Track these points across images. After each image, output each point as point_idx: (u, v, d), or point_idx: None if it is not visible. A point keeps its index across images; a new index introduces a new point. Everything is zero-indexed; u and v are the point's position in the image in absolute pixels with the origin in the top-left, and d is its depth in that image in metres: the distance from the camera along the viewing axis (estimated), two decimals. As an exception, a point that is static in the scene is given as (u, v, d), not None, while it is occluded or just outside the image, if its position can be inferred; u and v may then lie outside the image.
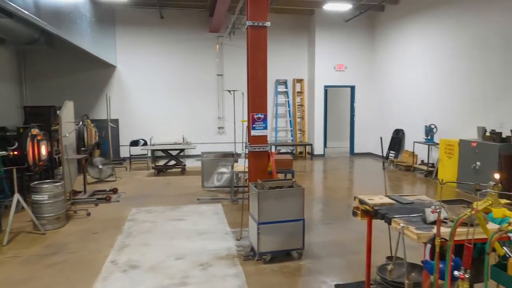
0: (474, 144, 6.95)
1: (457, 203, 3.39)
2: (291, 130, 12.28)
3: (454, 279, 2.32)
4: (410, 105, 10.02)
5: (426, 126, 8.93)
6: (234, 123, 8.33)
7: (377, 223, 3.44)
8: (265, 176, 4.65)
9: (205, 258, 4.16)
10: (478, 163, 6.83)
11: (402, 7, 10.26)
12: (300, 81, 12.30)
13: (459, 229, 2.47)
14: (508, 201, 1.87)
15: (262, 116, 4.49)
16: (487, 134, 6.99)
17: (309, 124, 12.30)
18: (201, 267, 3.93)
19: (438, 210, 2.02)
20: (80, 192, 6.83)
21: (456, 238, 2.44)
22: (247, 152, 4.77)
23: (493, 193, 1.84)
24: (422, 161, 9.29)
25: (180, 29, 11.41)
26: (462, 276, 1.77)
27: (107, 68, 11.04)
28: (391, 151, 10.68)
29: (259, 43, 4.38)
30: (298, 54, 12.20)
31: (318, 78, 11.73)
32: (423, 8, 9.34)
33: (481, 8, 7.57)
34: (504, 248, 2.08)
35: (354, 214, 3.34)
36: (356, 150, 12.19)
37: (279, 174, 6.44)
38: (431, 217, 2.59)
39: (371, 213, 3.04)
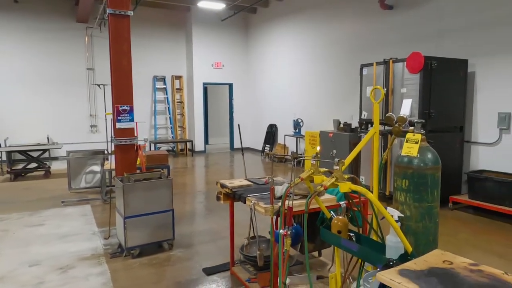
0: (331, 135, 7.92)
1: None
2: (171, 127, 12.11)
3: (296, 242, 2.64)
4: (281, 101, 10.87)
5: (294, 120, 9.81)
6: (106, 120, 7.83)
7: (247, 209, 3.69)
8: (133, 171, 4.52)
9: (65, 261, 3.85)
10: (335, 151, 7.76)
11: (272, 10, 11.05)
12: (179, 77, 12.21)
13: (299, 201, 2.83)
14: (327, 170, 2.23)
15: (127, 108, 4.35)
16: (341, 125, 8.04)
17: (189, 121, 12.31)
18: (61, 271, 3.63)
19: (270, 180, 2.27)
20: None
21: (296, 209, 2.80)
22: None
23: (314, 164, 2.17)
24: (292, 152, 10.16)
25: (39, 16, 10.18)
26: (285, 233, 2.04)
27: None
28: (266, 145, 11.42)
29: (122, 32, 4.23)
30: (176, 51, 12.10)
31: (196, 75, 11.82)
32: (289, 13, 10.22)
33: (332, 17, 8.65)
34: (331, 211, 2.46)
35: (218, 198, 3.51)
36: (236, 145, 12.67)
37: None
38: (279, 193, 2.90)
39: (231, 196, 3.24)
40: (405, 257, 1.97)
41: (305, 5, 9.55)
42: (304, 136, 9.51)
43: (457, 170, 5.89)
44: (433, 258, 1.70)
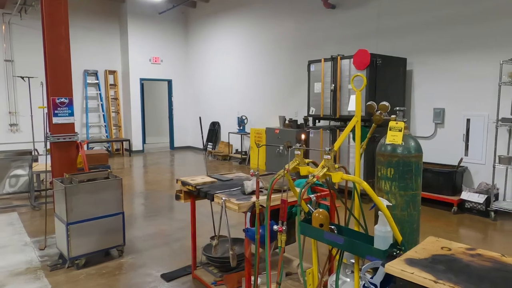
0: (277, 131, 7.95)
1: (269, 176, 3.73)
2: (105, 125, 11.27)
3: (272, 239, 2.51)
4: (224, 98, 10.68)
5: (238, 117, 9.69)
6: (32, 117, 6.98)
7: (200, 210, 3.45)
8: (74, 171, 4.03)
9: (-6, 278, 3.29)
10: (281, 147, 7.82)
11: (212, 5, 10.80)
12: (113, 72, 11.41)
13: (274, 195, 2.70)
14: (311, 160, 2.13)
15: (66, 101, 3.85)
16: (287, 122, 8.10)
17: (125, 119, 11.57)
18: (-11, 290, 3.09)
19: (256, 173, 2.11)
20: None
21: (272, 204, 2.67)
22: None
23: (299, 154, 2.06)
24: (237, 150, 10.05)
25: None
26: (280, 229, 1.90)
27: None
28: (209, 143, 11.15)
29: (58, 14, 3.74)
30: (110, 44, 11.28)
31: (133, 70, 11.14)
32: (231, 8, 10.07)
33: (276, 14, 8.69)
34: (308, 205, 2.36)
35: (177, 197, 3.24)
36: (176, 144, 12.20)
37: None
38: (249, 188, 2.75)
39: (194, 193, 3.01)
40: (395, 247, 1.94)
41: (248, 1, 9.48)
42: (248, 133, 9.44)
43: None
44: (431, 246, 1.67)
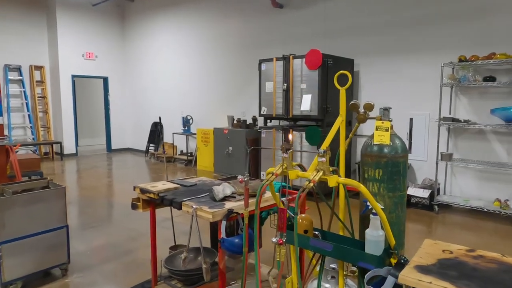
0: (226, 131, 7.75)
1: (233, 179, 3.53)
2: (31, 126, 10.15)
3: (251, 249, 2.32)
4: (167, 97, 10.20)
5: (183, 117, 9.30)
6: None
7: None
8: (4, 180, 3.47)
9: None
10: (231, 148, 7.65)
11: (151, 0, 10.27)
12: (39, 68, 10.31)
13: (250, 200, 2.52)
14: (298, 163, 1.99)
15: (-7, 99, 3.30)
16: (235, 122, 7.93)
17: (55, 119, 10.53)
18: None
19: (246, 179, 1.92)
20: None
21: (250, 209, 2.48)
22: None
23: (287, 157, 1.91)
24: (182, 151, 9.66)
25: None
26: (281, 241, 1.74)
27: None
28: (150, 144, 10.58)
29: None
30: (36, 36, 10.18)
31: (63, 66, 10.17)
32: (173, 4, 9.64)
33: (223, 11, 8.48)
34: (288, 211, 2.22)
35: (134, 207, 2.92)
36: (114, 146, 11.40)
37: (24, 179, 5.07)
38: (220, 194, 2.54)
39: (156, 201, 2.71)
40: (387, 251, 1.88)
41: (192, -4, 9.14)
42: (194, 133, 9.11)
43: (348, 161, 6.39)
44: (432, 249, 1.62)
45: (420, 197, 5.39)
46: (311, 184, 1.65)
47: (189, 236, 2.51)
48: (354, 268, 2.32)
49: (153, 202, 2.80)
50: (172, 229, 3.30)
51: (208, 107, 9.09)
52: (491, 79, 4.92)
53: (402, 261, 1.48)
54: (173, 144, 9.76)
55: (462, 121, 5.13)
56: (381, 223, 1.82)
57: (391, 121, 2.02)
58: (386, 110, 2.03)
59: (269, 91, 6.24)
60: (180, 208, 2.50)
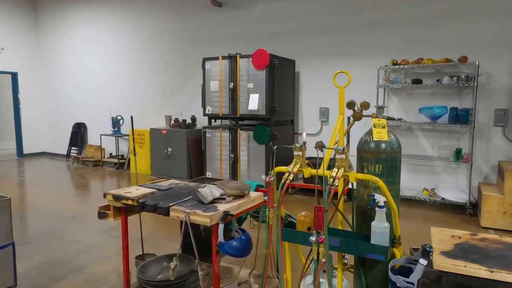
0: (164, 132, 7.42)
1: (200, 181, 3.41)
2: None
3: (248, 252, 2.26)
4: (92, 96, 9.40)
5: (113, 118, 8.66)
6: None
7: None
8: None
9: None
10: (170, 149, 7.36)
11: (73, -12, 9.36)
12: None
13: (237, 202, 2.46)
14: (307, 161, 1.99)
15: None
16: (173, 122, 7.64)
17: (-50, 120, 8.99)
18: None
19: (271, 179, 1.86)
20: None
21: (236, 212, 2.42)
22: None
23: (300, 155, 1.91)
24: (111, 154, 8.99)
25: None
26: (321, 239, 1.71)
27: None
28: (72, 147, 9.65)
29: None
30: None
31: (-40, 59, 8.73)
32: (98, -6, 8.92)
33: (156, 6, 8.09)
34: (285, 211, 2.22)
35: (102, 216, 2.64)
36: (26, 151, 10.14)
37: None
38: (209, 196, 2.43)
39: (135, 208, 2.49)
40: (393, 242, 1.99)
41: (119, -12, 8.56)
42: (125, 135, 8.56)
43: (291, 159, 6.60)
44: (442, 236, 1.76)
45: (361, 190, 5.80)
46: (337, 181, 1.68)
47: (181, 242, 2.35)
48: (346, 261, 2.41)
49: (125, 209, 2.57)
50: (141, 237, 3.06)
51: (141, 107, 8.60)
52: (418, 81, 5.50)
53: (428, 248, 1.58)
54: (100, 146, 9.03)
55: (397, 119, 5.65)
56: (386, 215, 1.92)
57: (385, 118, 2.14)
58: (380, 109, 2.15)
59: (214, 90, 6.14)
60: (167, 214, 2.33)
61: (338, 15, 6.19)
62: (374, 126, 2.08)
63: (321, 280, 2.28)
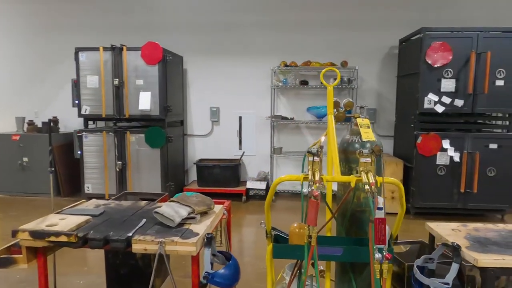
0: (17, 138, 5.92)
1: (123, 198, 2.81)
2: None
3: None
4: None
5: None
6: None
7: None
8: None
9: None
10: (26, 159, 5.91)
11: None
12: None
13: (209, 219, 2.06)
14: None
15: None
16: (29, 125, 6.17)
17: None
18: None
19: (319, 191, 1.55)
20: None
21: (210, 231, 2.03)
22: None
23: (316, 161, 1.68)
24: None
25: None
26: (389, 256, 1.49)
27: None
28: None
29: None
30: None
31: None
32: None
33: (-7, -23, 6.36)
34: (262, 223, 1.97)
35: (9, 263, 1.85)
36: None
37: None
38: (177, 218, 1.96)
39: (74, 246, 1.80)
40: (390, 242, 1.98)
41: None
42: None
43: (182, 162, 6.17)
44: (447, 230, 1.83)
45: (258, 189, 5.85)
46: (372, 187, 1.54)
47: (153, 277, 1.82)
48: (322, 268, 2.31)
49: (42, 249, 1.86)
50: (54, 277, 2.25)
51: (-27, 106, 6.65)
52: (305, 82, 5.87)
53: (456, 246, 1.61)
54: None
55: (289, 118, 5.89)
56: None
57: (368, 118, 2.12)
58: (362, 108, 2.11)
59: (92, 86, 5.19)
60: (126, 248, 1.76)
61: (230, 13, 6.06)
62: (360, 126, 2.04)
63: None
